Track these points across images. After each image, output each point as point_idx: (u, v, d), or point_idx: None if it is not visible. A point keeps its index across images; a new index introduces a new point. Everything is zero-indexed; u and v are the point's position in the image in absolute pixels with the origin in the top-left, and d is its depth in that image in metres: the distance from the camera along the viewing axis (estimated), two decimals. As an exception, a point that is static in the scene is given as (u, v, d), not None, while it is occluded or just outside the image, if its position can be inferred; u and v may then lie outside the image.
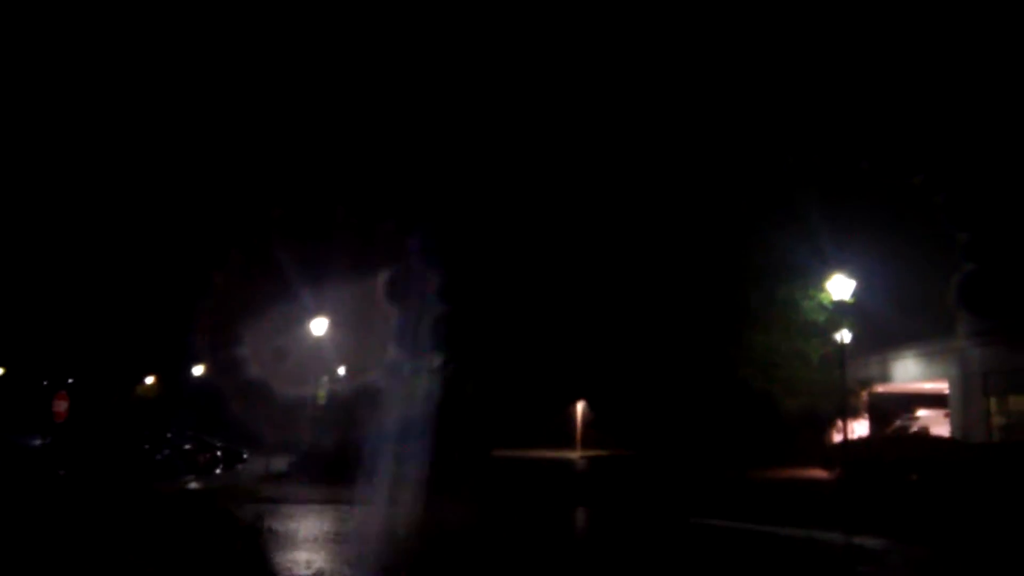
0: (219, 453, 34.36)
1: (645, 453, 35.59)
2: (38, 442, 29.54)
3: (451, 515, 19.91)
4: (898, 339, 33.01)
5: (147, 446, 31.42)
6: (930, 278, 29.41)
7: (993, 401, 30.53)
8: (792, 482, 27.92)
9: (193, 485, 27.83)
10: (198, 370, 47.72)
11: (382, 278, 34.84)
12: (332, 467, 31.43)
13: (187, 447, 32.75)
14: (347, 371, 37.17)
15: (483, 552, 14.83)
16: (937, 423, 32.86)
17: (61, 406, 25.06)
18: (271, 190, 37.09)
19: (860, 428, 35.02)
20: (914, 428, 32.87)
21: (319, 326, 31.84)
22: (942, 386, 33.44)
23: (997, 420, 30.27)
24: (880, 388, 36.36)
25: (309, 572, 11.83)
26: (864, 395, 35.38)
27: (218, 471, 33.34)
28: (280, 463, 33.05)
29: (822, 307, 29.02)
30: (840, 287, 26.70)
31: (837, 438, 31.18)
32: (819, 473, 28.97)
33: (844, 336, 28.45)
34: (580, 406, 48.30)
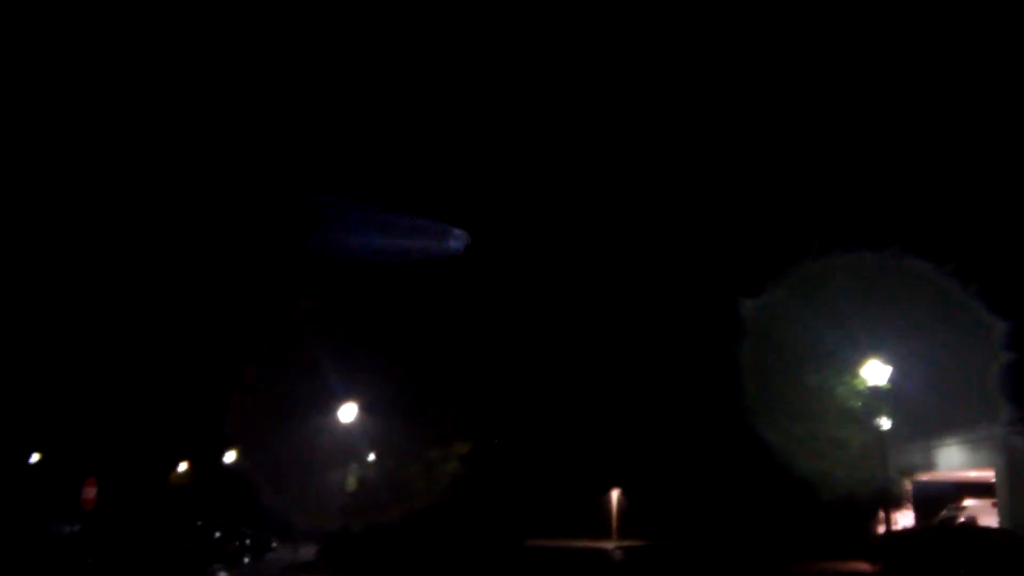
0: (248, 542, 34.09)
1: (683, 543, 34.66)
2: (67, 529, 29.60)
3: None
4: (941, 426, 32.06)
5: (175, 535, 31.30)
6: (970, 364, 28.78)
7: (1042, 491, 29.32)
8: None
9: (221, 574, 27.58)
10: (230, 457, 47.70)
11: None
12: (359, 557, 31.02)
13: (216, 535, 32.59)
14: (377, 457, 36.95)
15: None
16: (985, 513, 31.56)
17: (90, 493, 25.18)
18: (304, 279, 37.68)
19: (904, 518, 33.77)
20: (961, 519, 31.57)
21: (348, 412, 31.87)
22: (989, 475, 32.27)
23: (1047, 511, 28.99)
24: (924, 476, 35.16)
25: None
26: (907, 484, 34.19)
27: (246, 560, 33.03)
28: (308, 552, 32.67)
29: (858, 393, 28.40)
30: (875, 372, 26.25)
31: (880, 528, 30.09)
32: (862, 566, 27.88)
33: (883, 423, 27.80)
34: (615, 494, 47.46)
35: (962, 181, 31.69)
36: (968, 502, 33.30)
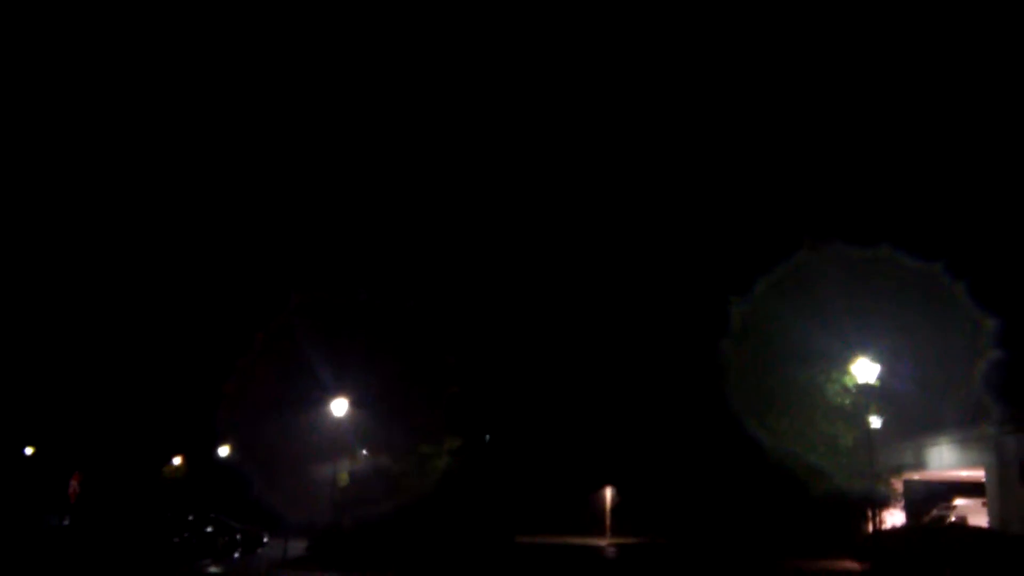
0: (238, 536, 34.01)
1: (675, 540, 34.63)
2: (56, 521, 29.61)
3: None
4: (931, 425, 32.01)
5: (166, 529, 31.26)
6: (960, 363, 28.74)
7: (1031, 490, 29.21)
8: (824, 574, 26.84)
9: (210, 569, 27.52)
10: (223, 451, 47.69)
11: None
12: (350, 551, 30.99)
13: (208, 530, 32.51)
14: (368, 452, 36.93)
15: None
16: (976, 513, 31.48)
17: (74, 486, 25.19)
18: (295, 273, 37.71)
19: (894, 517, 33.73)
20: (951, 518, 31.44)
21: (339, 407, 31.79)
22: (979, 474, 32.21)
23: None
24: (914, 475, 35.11)
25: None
26: (898, 483, 34.15)
27: (236, 555, 32.96)
28: (299, 546, 32.62)
29: (846, 390, 28.36)
30: (864, 370, 26.16)
31: (869, 527, 30.04)
32: (851, 565, 27.82)
33: (874, 421, 27.72)
34: (608, 491, 47.39)
35: (951, 179, 31.67)
36: (959, 501, 33.21)
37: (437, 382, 34.57)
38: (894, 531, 29.80)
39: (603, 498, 48.79)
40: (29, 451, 53.72)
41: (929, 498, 34.33)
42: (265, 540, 35.78)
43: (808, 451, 30.00)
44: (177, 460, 58.08)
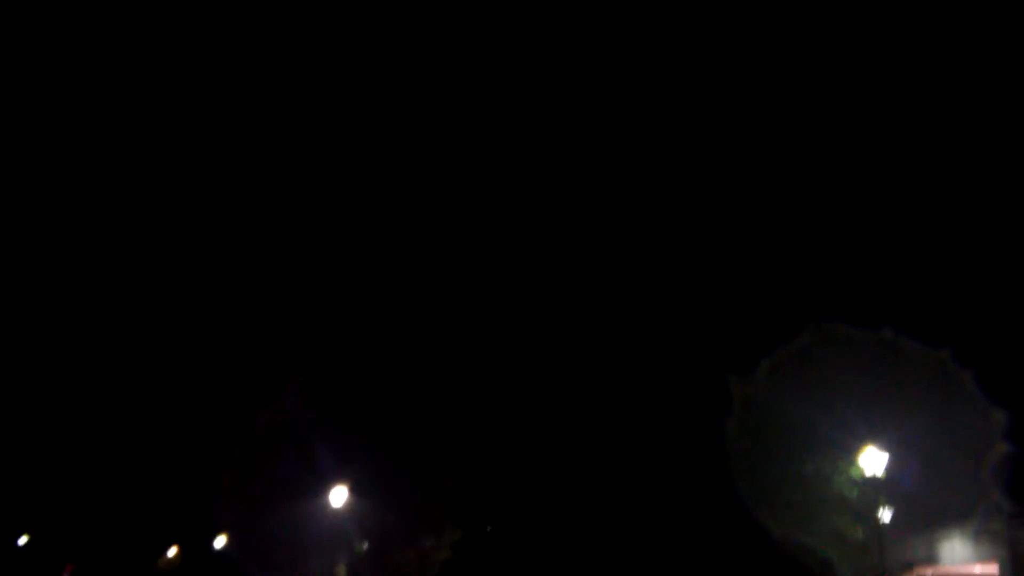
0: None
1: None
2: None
3: None
4: (942, 517, 31.29)
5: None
6: (969, 455, 28.24)
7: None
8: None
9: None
10: (219, 542, 46.74)
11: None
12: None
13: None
14: (368, 544, 36.15)
15: None
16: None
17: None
18: (293, 360, 37.68)
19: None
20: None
21: (338, 496, 31.32)
22: (992, 569, 31.34)
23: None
24: (927, 571, 34.15)
25: None
26: (910, 579, 33.19)
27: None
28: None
29: (853, 482, 27.83)
30: (873, 461, 25.72)
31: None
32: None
33: (884, 514, 27.10)
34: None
35: (958, 263, 31.81)
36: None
37: (437, 471, 34.07)
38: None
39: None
40: (23, 540, 52.72)
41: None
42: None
43: (817, 544, 29.28)
44: (172, 551, 56.89)
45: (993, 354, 29.69)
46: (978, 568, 32.72)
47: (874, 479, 25.53)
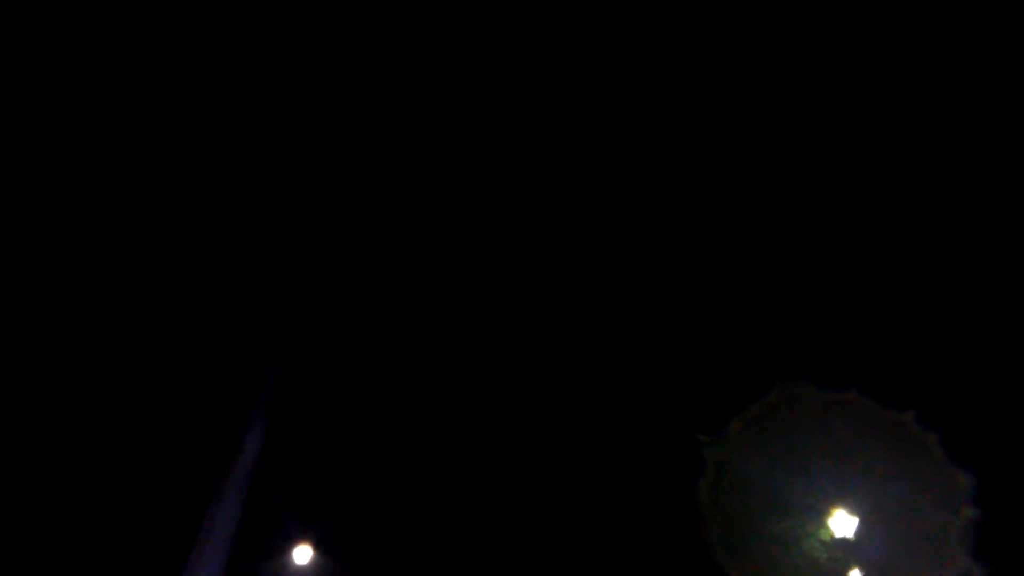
0: None
1: None
2: None
3: None
4: (911, 581, 31.40)
5: None
6: (935, 519, 28.46)
7: (1017, 652, 28.43)
8: None
9: None
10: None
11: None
12: None
13: None
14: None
15: None
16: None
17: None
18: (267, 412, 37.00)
19: None
20: None
21: (303, 555, 30.57)
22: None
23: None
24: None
25: None
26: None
27: None
28: None
29: (823, 544, 27.86)
30: (842, 524, 25.79)
31: None
32: None
33: (853, 576, 27.11)
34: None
35: (922, 325, 32.31)
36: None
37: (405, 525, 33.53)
38: None
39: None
40: None
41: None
42: None
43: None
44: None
45: (957, 417, 30.11)
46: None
47: (844, 541, 25.54)
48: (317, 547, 32.88)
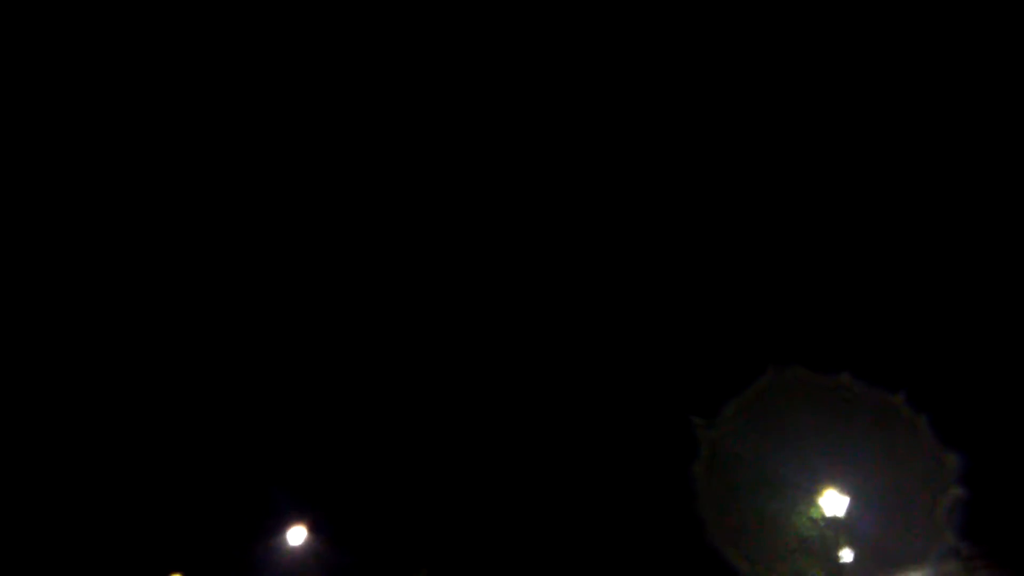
0: None
1: None
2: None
3: None
4: (900, 558, 31.82)
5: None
6: (925, 497, 28.87)
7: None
8: None
9: None
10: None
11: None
12: None
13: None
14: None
15: None
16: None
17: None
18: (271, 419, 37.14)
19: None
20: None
21: (297, 535, 30.65)
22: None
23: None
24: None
25: None
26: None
27: None
28: None
29: (814, 523, 28.21)
30: (833, 503, 26.11)
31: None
32: None
33: (845, 555, 27.48)
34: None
35: (912, 309, 32.65)
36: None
37: (404, 503, 33.74)
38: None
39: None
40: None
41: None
42: None
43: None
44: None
45: (945, 399, 30.47)
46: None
47: (834, 520, 25.87)
48: (311, 528, 33.00)
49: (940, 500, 28.68)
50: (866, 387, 30.49)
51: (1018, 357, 31.13)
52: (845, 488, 26.16)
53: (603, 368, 35.38)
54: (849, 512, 25.86)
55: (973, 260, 32.47)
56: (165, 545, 40.03)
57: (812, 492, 27.01)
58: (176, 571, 42.77)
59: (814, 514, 27.77)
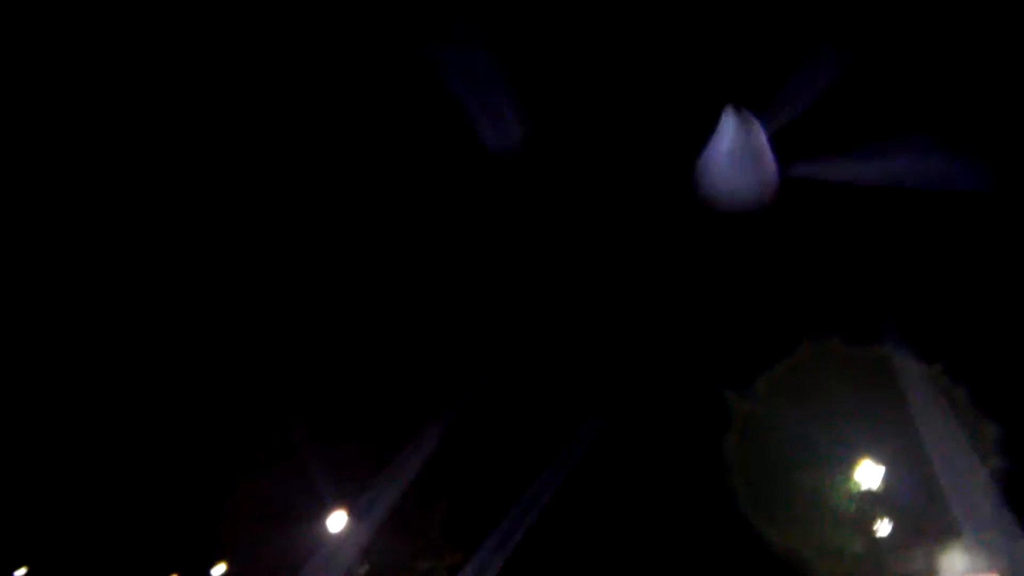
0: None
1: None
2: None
3: None
4: (940, 529, 31.50)
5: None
6: (963, 467, 28.51)
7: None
8: None
9: None
10: (218, 571, 46.48)
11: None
12: None
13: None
14: (367, 568, 35.99)
15: None
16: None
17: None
18: (298, 386, 37.59)
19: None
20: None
21: (337, 521, 31.19)
22: (993, 581, 31.47)
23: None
24: (927, 584, 34.24)
25: None
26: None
27: None
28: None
29: (850, 496, 28.07)
30: (868, 475, 26.05)
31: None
32: None
33: (882, 527, 27.35)
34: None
35: (951, 279, 32.10)
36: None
37: (434, 491, 34.04)
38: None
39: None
40: (21, 572, 52.36)
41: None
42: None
43: (816, 558, 29.39)
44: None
45: (985, 370, 29.98)
46: (978, 580, 32.87)
47: (871, 492, 25.78)
48: (352, 513, 33.53)
49: (979, 471, 28.35)
50: (904, 359, 30.14)
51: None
52: (881, 459, 26.05)
53: (635, 340, 35.33)
54: (885, 483, 25.77)
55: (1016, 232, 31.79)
56: (210, 533, 41.00)
57: (848, 464, 26.91)
58: (220, 562, 43.76)
59: (850, 486, 27.64)
